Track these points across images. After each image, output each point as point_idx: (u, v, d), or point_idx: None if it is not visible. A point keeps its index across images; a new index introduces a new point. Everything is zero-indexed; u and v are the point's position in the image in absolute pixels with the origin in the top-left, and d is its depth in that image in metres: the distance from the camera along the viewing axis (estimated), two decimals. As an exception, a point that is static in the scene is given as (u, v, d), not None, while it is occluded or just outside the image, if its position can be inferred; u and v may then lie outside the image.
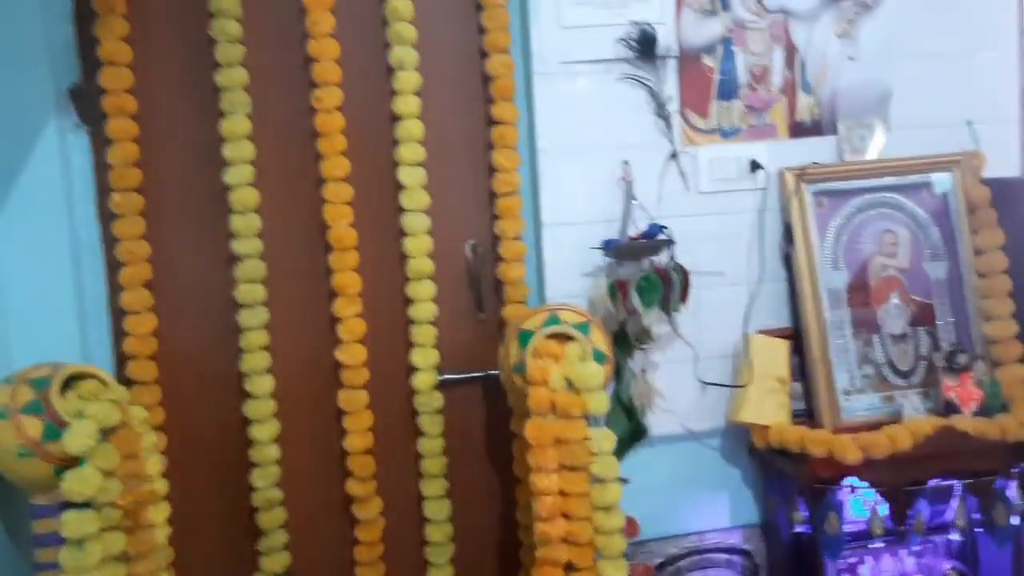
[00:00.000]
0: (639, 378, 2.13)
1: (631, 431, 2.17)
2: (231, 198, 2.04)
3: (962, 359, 2.08)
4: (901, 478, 1.98)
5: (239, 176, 2.04)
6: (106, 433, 1.71)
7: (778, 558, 2.26)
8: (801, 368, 2.20)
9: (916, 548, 2.29)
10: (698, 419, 2.25)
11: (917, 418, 2.03)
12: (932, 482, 2.01)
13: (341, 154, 2.05)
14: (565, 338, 1.94)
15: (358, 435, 2.13)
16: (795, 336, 2.21)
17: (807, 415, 2.19)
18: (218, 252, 2.08)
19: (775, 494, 2.21)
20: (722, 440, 2.29)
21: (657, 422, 2.22)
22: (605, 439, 1.90)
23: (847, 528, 2.08)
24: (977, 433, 1.98)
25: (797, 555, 2.21)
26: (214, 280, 2.10)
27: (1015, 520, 2.06)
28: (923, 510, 2.02)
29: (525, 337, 1.95)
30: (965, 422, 1.99)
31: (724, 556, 2.30)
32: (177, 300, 2.10)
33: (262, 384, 2.08)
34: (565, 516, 1.89)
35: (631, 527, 2.04)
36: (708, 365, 2.22)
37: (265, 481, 2.10)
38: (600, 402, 1.89)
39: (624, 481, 2.09)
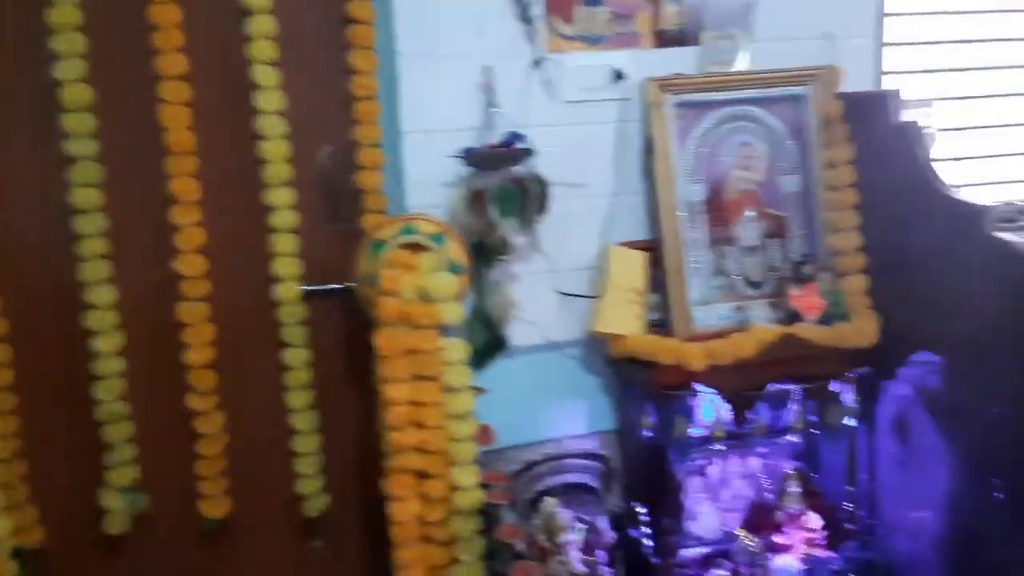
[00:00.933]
0: (497, 290, 2.12)
1: (491, 342, 2.18)
2: (62, 95, 1.90)
3: (807, 270, 2.15)
4: (745, 383, 2.05)
5: (70, 71, 1.89)
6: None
7: (632, 462, 2.34)
8: (659, 279, 2.24)
9: (762, 450, 2.41)
10: (559, 330, 2.27)
11: (763, 326, 2.10)
12: (773, 387, 2.09)
13: (177, 50, 1.92)
14: (419, 248, 1.92)
15: (198, 349, 2.07)
16: (654, 248, 2.24)
17: (663, 325, 2.24)
18: (51, 153, 1.95)
19: (629, 401, 2.27)
20: (583, 350, 2.33)
21: (518, 333, 2.23)
22: (458, 349, 1.90)
23: (698, 432, 2.16)
24: (816, 340, 2.07)
25: (650, 459, 2.28)
26: (48, 183, 1.96)
27: (850, 421, 2.18)
28: (763, 413, 2.10)
29: (377, 247, 1.91)
30: (806, 330, 2.08)
31: (581, 461, 2.36)
32: (7, 204, 1.97)
33: (102, 294, 1.98)
34: (418, 425, 1.90)
35: (486, 435, 2.06)
36: (569, 277, 2.23)
37: (109, 394, 2.03)
38: (453, 312, 1.88)
39: (480, 391, 2.11)
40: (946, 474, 2.00)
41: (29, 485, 2.03)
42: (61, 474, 2.09)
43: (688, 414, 2.09)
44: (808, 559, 2.25)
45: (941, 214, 1.96)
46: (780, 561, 2.30)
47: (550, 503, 2.25)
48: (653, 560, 2.21)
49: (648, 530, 2.29)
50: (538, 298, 2.23)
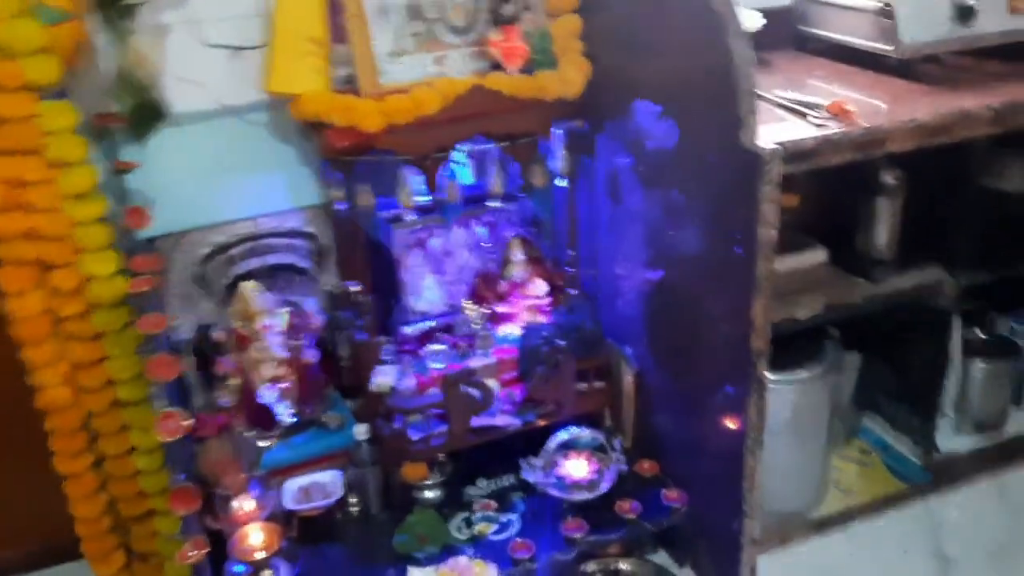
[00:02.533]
0: (127, 44, 1.76)
1: (141, 108, 1.85)
2: None
3: (508, 10, 1.87)
4: (433, 145, 1.82)
5: None
6: None
7: (342, 238, 2.13)
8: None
9: (488, 218, 2.24)
10: (234, 92, 1.94)
11: (453, 78, 1.84)
12: (469, 147, 1.87)
13: None
14: (-4, -12, 1.53)
15: None
16: (340, -11, 1.90)
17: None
18: None
19: (324, 172, 2.02)
20: (269, 115, 2.02)
21: (181, 96, 1.90)
22: (61, 114, 1.58)
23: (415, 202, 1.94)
24: (511, 91, 1.83)
25: (356, 233, 2.07)
26: None
27: (561, 182, 2.00)
28: (453, 177, 1.90)
29: (-60, -13, 1.51)
30: (498, 80, 1.83)
31: (284, 240, 2.14)
32: None
33: None
34: (25, 208, 1.61)
35: (137, 216, 1.79)
36: (233, 25, 1.88)
37: None
38: (44, 69, 1.54)
39: (128, 166, 1.82)
40: (659, 232, 1.86)
41: None
42: None
43: (371, 182, 1.86)
44: (526, 327, 2.16)
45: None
46: (503, 331, 2.20)
47: (246, 287, 2.04)
48: (359, 338, 2.06)
49: (363, 308, 2.13)
50: (201, 54, 1.89)
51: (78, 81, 1.74)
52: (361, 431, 2.04)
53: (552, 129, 1.92)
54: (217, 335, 2.09)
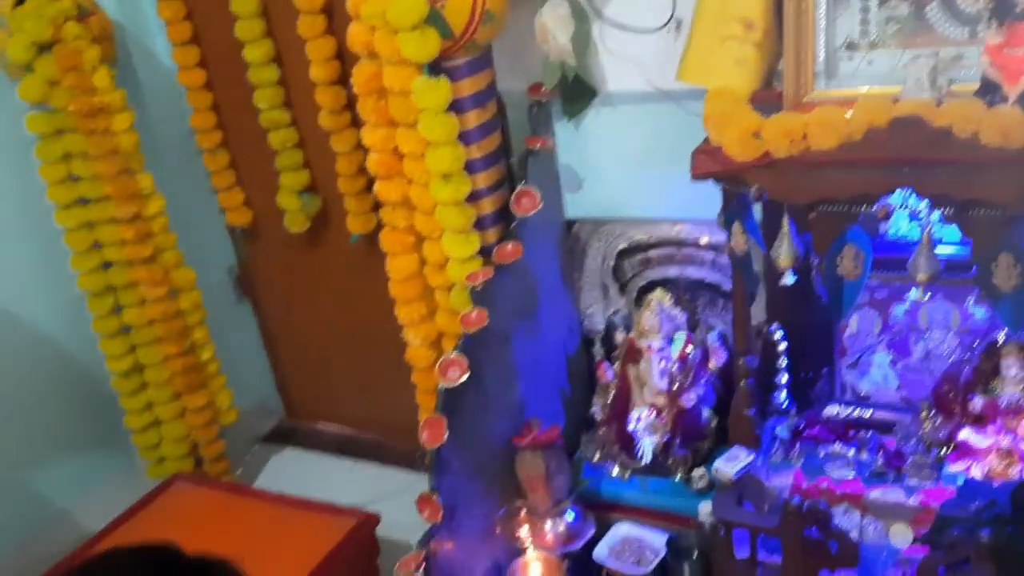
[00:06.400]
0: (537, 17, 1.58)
1: (568, 85, 1.68)
2: None
3: (1021, -3, 1.11)
4: (818, 191, 1.24)
5: None
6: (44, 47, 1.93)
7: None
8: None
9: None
10: (670, 75, 1.61)
11: (882, 98, 1.20)
12: (885, 204, 1.22)
13: None
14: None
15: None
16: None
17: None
18: None
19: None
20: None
21: (616, 75, 1.68)
22: (432, 91, 1.54)
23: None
24: (968, 133, 1.10)
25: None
26: None
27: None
28: (855, 239, 1.25)
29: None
30: (955, 111, 1.12)
31: (710, 254, 1.77)
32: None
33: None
34: (408, 179, 1.65)
35: (525, 200, 1.67)
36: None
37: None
38: (419, 45, 1.50)
39: (540, 142, 1.72)
40: None
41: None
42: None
43: (747, 222, 1.38)
44: (983, 477, 1.42)
45: None
46: (954, 467, 1.49)
47: (655, 297, 1.80)
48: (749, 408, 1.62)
49: (785, 363, 1.68)
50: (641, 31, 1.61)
51: (506, 53, 1.68)
52: (705, 511, 1.66)
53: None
54: (619, 337, 1.90)
